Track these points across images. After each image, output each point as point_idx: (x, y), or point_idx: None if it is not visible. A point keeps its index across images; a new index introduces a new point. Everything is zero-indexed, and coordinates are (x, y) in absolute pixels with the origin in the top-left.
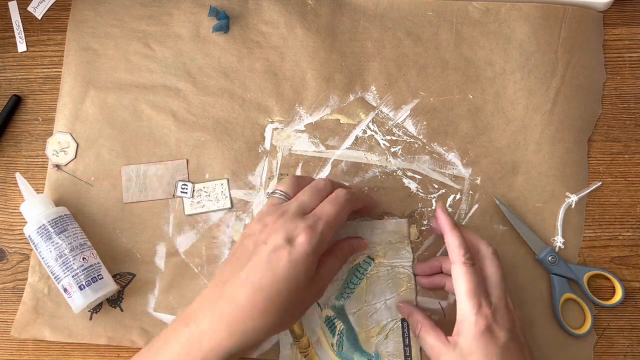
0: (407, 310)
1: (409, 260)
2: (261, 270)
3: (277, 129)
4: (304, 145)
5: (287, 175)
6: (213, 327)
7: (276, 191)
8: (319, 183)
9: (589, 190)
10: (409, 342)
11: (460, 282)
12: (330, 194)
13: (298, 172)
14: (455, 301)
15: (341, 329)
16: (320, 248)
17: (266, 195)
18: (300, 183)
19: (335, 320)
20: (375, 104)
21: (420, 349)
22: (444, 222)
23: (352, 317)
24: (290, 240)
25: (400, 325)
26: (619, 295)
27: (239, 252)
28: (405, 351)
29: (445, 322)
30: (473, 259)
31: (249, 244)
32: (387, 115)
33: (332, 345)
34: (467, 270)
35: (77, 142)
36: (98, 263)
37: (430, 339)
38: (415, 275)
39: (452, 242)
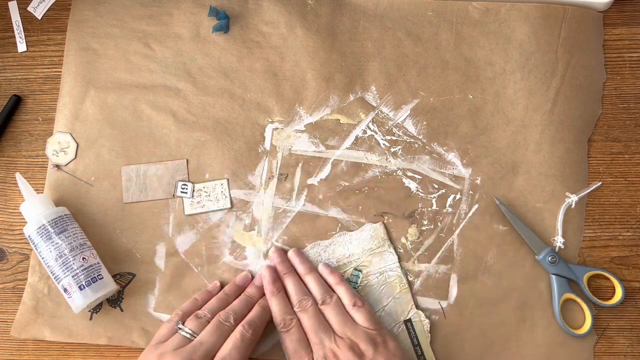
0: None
1: (395, 262)
2: None
3: (277, 129)
4: (304, 145)
5: (287, 175)
6: None
7: (184, 329)
8: (222, 324)
9: (589, 190)
10: (417, 341)
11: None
12: (235, 325)
13: (298, 172)
14: (455, 301)
15: None
16: None
17: (177, 324)
18: (206, 319)
19: None
20: (375, 104)
21: (431, 342)
22: (266, 288)
23: None
24: None
25: (405, 327)
26: (619, 295)
27: None
28: (416, 352)
29: (445, 323)
30: (289, 323)
31: None
32: (387, 115)
33: None
34: (286, 336)
35: (77, 142)
36: (98, 263)
37: None
38: (406, 274)
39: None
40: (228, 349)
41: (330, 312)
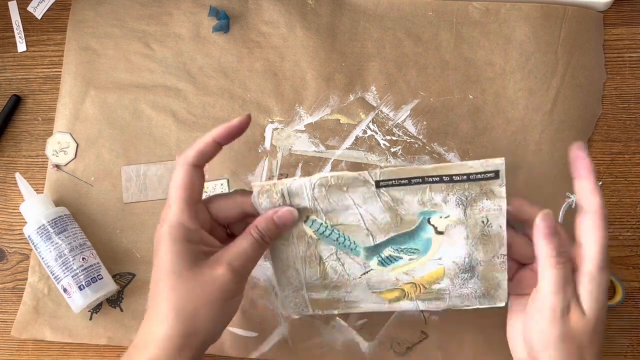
0: (551, 229)
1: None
2: None
3: (277, 129)
4: (304, 145)
5: (287, 175)
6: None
7: None
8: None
9: None
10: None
11: (598, 233)
12: None
13: (298, 173)
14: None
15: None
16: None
17: None
18: None
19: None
20: (375, 104)
21: (431, 342)
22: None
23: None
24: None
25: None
26: (619, 295)
27: None
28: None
29: (445, 323)
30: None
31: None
32: (387, 115)
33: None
34: (603, 225)
35: (77, 142)
36: (98, 263)
37: (567, 285)
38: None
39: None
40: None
41: None
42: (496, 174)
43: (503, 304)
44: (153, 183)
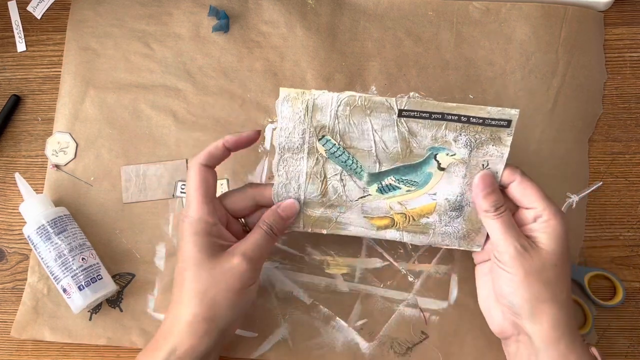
0: (491, 186)
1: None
2: None
3: (277, 129)
4: None
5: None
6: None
7: None
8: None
9: (589, 190)
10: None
11: (532, 186)
12: None
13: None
14: (455, 301)
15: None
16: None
17: None
18: None
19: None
20: None
21: (431, 342)
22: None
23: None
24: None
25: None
26: (619, 295)
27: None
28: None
29: (445, 323)
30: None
31: None
32: None
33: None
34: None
35: (76, 142)
36: (97, 263)
37: (516, 229)
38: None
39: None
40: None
41: None
42: (508, 123)
43: (479, 250)
44: (152, 183)
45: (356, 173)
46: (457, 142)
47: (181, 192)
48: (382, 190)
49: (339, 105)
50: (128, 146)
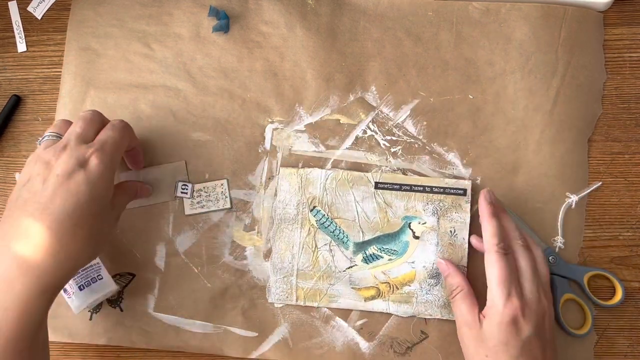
0: (446, 270)
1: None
2: (60, 198)
3: (277, 129)
4: (304, 145)
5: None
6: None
7: (47, 134)
8: (87, 115)
9: (589, 191)
10: None
11: (492, 269)
12: (104, 124)
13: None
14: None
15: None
16: (112, 169)
17: (37, 142)
18: (69, 123)
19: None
20: (375, 104)
21: (432, 342)
22: (483, 210)
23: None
24: (83, 165)
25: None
26: (619, 295)
27: (25, 193)
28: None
29: (445, 323)
30: (507, 249)
31: (36, 183)
32: (387, 115)
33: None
34: (499, 258)
35: None
36: (98, 263)
37: (465, 307)
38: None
39: (488, 230)
40: (106, 132)
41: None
42: (464, 192)
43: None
44: (154, 187)
45: (343, 243)
46: (426, 211)
47: (181, 193)
48: (366, 259)
49: (326, 179)
50: None
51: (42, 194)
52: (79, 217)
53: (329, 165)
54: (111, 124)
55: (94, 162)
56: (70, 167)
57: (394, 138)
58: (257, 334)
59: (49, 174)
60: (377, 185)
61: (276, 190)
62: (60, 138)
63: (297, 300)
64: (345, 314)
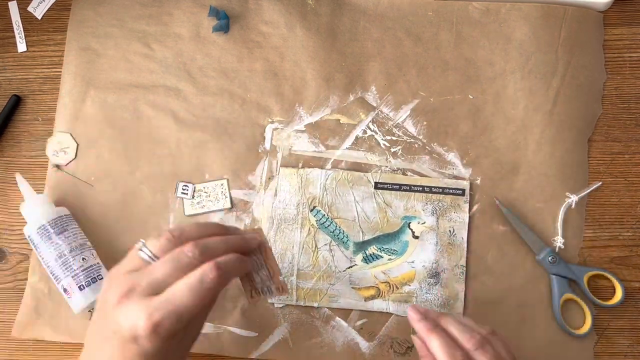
0: (417, 326)
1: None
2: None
3: (277, 129)
4: (304, 145)
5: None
6: None
7: (144, 249)
8: (184, 255)
9: (589, 191)
10: None
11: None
12: (201, 263)
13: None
14: None
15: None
16: (168, 340)
17: (137, 244)
18: (179, 242)
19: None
20: (375, 104)
21: None
22: (419, 329)
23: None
24: (135, 338)
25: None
26: (619, 295)
27: (96, 330)
28: None
29: None
30: (465, 356)
31: (100, 313)
32: (387, 115)
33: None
34: None
35: (77, 142)
36: (98, 263)
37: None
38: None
39: (435, 345)
40: (180, 288)
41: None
42: (463, 192)
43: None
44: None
45: (343, 243)
46: (425, 211)
47: (182, 193)
48: (366, 259)
49: (326, 179)
50: (128, 146)
51: (103, 343)
52: None
53: (329, 165)
54: (198, 277)
55: (143, 336)
56: (125, 333)
57: (394, 138)
58: (257, 334)
59: (109, 322)
60: (377, 185)
61: (276, 190)
62: (153, 261)
63: (297, 300)
64: (345, 313)
